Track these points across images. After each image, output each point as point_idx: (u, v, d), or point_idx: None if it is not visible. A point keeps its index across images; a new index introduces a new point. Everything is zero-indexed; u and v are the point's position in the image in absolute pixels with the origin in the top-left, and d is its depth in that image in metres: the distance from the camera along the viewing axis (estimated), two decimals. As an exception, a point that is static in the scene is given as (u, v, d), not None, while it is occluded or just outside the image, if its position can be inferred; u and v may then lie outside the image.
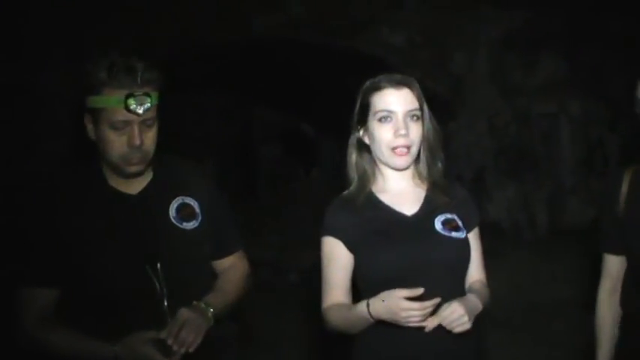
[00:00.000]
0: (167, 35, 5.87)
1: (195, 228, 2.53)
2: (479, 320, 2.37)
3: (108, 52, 2.38)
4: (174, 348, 2.27)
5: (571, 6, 6.88)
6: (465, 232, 2.53)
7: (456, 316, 2.28)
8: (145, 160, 2.43)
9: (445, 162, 2.60)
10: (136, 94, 2.33)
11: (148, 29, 5.70)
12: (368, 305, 2.34)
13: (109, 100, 2.33)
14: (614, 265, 2.74)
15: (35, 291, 2.42)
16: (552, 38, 7.07)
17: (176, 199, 2.53)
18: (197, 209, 2.55)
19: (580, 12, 6.90)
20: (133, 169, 2.42)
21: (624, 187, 2.67)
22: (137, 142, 2.35)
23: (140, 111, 2.33)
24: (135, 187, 2.50)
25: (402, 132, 2.44)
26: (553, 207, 7.23)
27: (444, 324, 2.29)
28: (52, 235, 2.40)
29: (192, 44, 6.16)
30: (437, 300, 2.28)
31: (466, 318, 2.29)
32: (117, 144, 2.36)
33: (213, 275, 2.65)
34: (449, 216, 2.53)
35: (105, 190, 2.47)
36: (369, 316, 2.34)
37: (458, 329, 2.29)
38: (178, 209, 2.52)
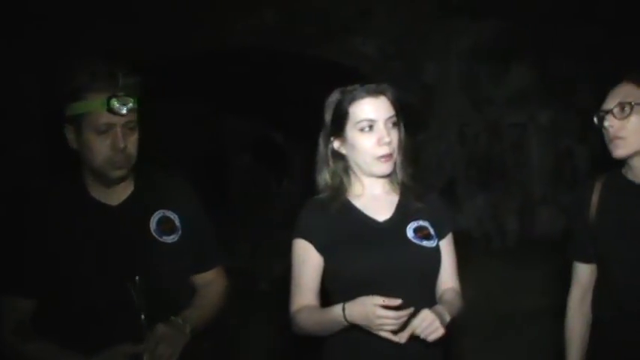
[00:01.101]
0: (138, 44, 5.84)
1: (175, 242, 2.52)
2: (448, 327, 2.38)
3: (88, 60, 2.39)
4: None
5: (541, 17, 6.95)
6: (436, 240, 2.55)
7: (427, 323, 2.29)
8: (129, 164, 2.42)
9: (415, 167, 2.63)
10: (119, 94, 2.34)
11: (120, 38, 5.67)
12: (344, 309, 2.34)
13: (92, 104, 2.34)
14: (584, 274, 2.77)
15: (10, 301, 2.40)
16: (522, 49, 7.12)
17: (157, 212, 2.52)
18: (177, 223, 2.55)
19: (550, 23, 6.96)
20: (118, 173, 2.41)
21: (595, 197, 2.70)
22: (121, 144, 2.36)
23: (123, 111, 2.34)
24: (116, 198, 2.49)
25: (386, 140, 2.47)
26: (523, 216, 7.28)
27: (417, 332, 2.29)
28: (29, 245, 2.38)
29: (163, 52, 6.13)
30: (411, 310, 2.29)
31: (438, 323, 2.30)
32: (101, 148, 2.37)
33: (192, 290, 2.64)
34: (421, 223, 2.55)
35: (85, 201, 2.46)
36: (343, 320, 2.35)
37: (432, 336, 2.30)
38: (159, 222, 2.52)
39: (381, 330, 2.29)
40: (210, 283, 2.68)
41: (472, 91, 7.20)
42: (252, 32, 6.42)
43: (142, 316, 2.36)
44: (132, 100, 2.37)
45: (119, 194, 2.50)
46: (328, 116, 2.57)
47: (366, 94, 2.51)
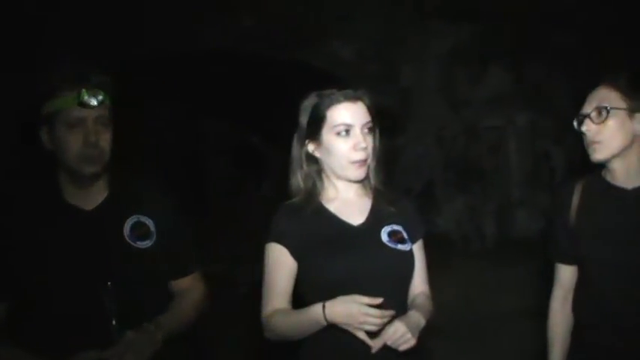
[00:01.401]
0: (116, 47, 5.82)
1: (149, 247, 2.51)
2: (423, 332, 2.40)
3: (61, 62, 2.41)
4: None
5: (518, 21, 6.99)
6: (410, 244, 2.57)
7: (400, 334, 2.32)
8: (101, 160, 2.42)
9: (388, 172, 2.65)
10: (89, 89, 2.36)
11: (97, 41, 5.65)
12: (324, 307, 2.35)
13: (64, 99, 2.36)
14: (566, 275, 2.79)
15: None
16: (500, 52, 7.16)
17: (131, 217, 2.52)
18: (152, 228, 2.54)
19: (527, 27, 7.00)
20: (90, 169, 2.41)
21: (575, 199, 2.72)
22: (92, 138, 2.37)
23: (94, 102, 2.36)
24: (90, 202, 2.48)
25: (362, 145, 2.49)
26: (501, 218, 7.31)
27: (388, 343, 2.31)
28: (1, 249, 2.37)
29: (141, 56, 6.11)
30: (393, 312, 2.31)
31: (409, 335, 2.32)
32: (73, 144, 2.38)
33: (170, 296, 2.63)
34: (395, 227, 2.56)
35: (60, 205, 2.45)
36: (322, 319, 2.35)
37: (403, 347, 2.32)
38: (133, 227, 2.51)
39: (361, 329, 2.31)
40: (188, 289, 2.67)
41: (450, 94, 7.22)
42: (230, 35, 6.42)
43: (114, 322, 2.35)
44: (102, 93, 2.39)
45: (94, 198, 2.49)
46: (304, 119, 2.57)
47: (343, 99, 2.52)
